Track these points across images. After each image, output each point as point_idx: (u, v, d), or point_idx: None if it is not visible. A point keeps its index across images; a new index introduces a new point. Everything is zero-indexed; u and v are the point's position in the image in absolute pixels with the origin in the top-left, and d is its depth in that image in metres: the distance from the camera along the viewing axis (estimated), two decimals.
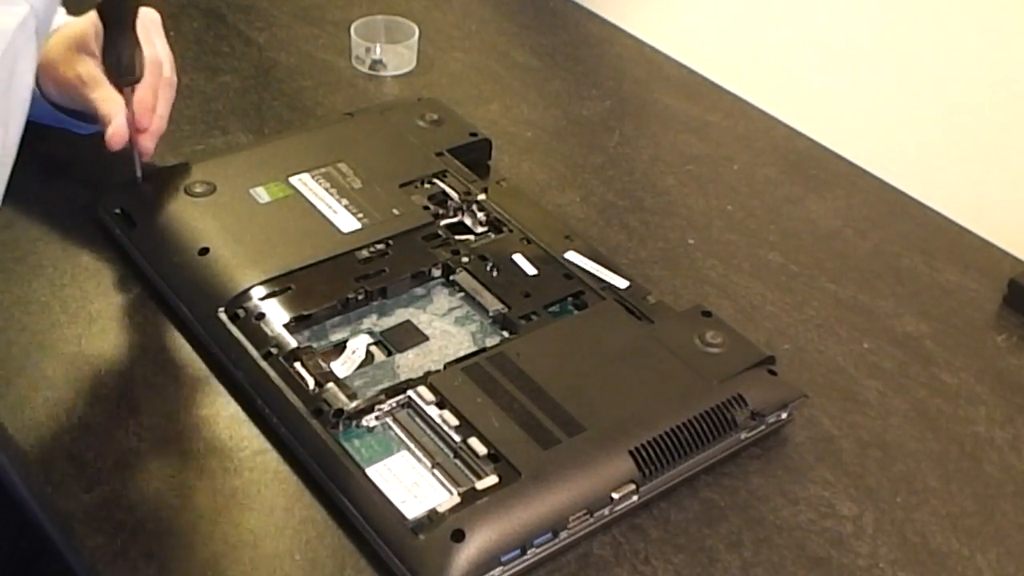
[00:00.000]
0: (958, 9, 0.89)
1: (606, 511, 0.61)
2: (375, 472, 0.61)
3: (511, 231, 0.78)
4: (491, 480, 0.60)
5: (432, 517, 0.58)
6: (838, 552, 0.63)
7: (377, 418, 0.64)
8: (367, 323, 0.71)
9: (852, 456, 0.69)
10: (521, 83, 1.02)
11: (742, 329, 0.72)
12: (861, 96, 0.96)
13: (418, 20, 1.03)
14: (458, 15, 1.12)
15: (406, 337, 0.70)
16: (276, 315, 0.69)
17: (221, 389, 0.68)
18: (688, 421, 0.64)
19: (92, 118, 0.75)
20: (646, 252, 0.83)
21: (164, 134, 0.78)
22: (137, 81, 0.73)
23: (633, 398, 0.65)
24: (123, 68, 0.72)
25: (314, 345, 0.69)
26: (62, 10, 0.76)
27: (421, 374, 0.66)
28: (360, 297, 0.71)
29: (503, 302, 0.72)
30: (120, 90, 0.74)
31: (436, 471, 0.61)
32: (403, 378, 0.66)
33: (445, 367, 0.67)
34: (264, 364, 0.66)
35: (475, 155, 0.87)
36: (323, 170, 0.81)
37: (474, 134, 0.88)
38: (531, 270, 0.75)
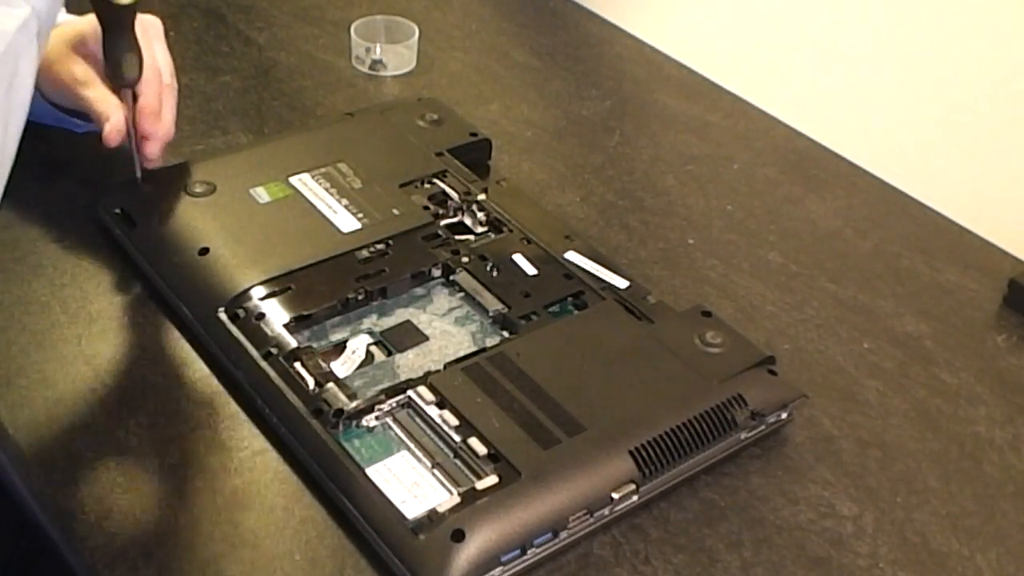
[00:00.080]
0: (958, 9, 0.89)
1: (606, 511, 0.61)
2: (375, 472, 0.61)
3: (511, 231, 0.78)
4: (491, 480, 0.60)
5: (432, 517, 0.58)
6: (838, 552, 0.63)
7: (377, 418, 0.64)
8: (367, 323, 0.71)
9: (852, 456, 0.69)
10: (521, 83, 1.02)
11: (742, 329, 0.72)
12: (861, 96, 0.96)
13: (418, 20, 1.03)
14: (458, 15, 1.12)
15: (406, 337, 0.70)
16: (276, 315, 0.69)
17: (221, 389, 0.68)
18: (688, 421, 0.64)
19: (90, 117, 0.75)
20: (646, 252, 0.83)
21: None
22: (135, 83, 0.73)
23: (633, 398, 0.65)
24: (122, 70, 0.72)
25: (314, 345, 0.69)
26: (62, 9, 0.76)
27: (421, 374, 0.66)
28: (360, 297, 0.71)
29: (503, 302, 0.72)
30: (118, 92, 0.74)
31: (436, 471, 0.61)
32: (403, 378, 0.66)
33: (445, 367, 0.67)
34: (264, 364, 0.66)
35: (475, 155, 0.87)
36: (323, 170, 0.81)
37: (474, 134, 0.88)
38: (531, 270, 0.75)
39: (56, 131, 0.81)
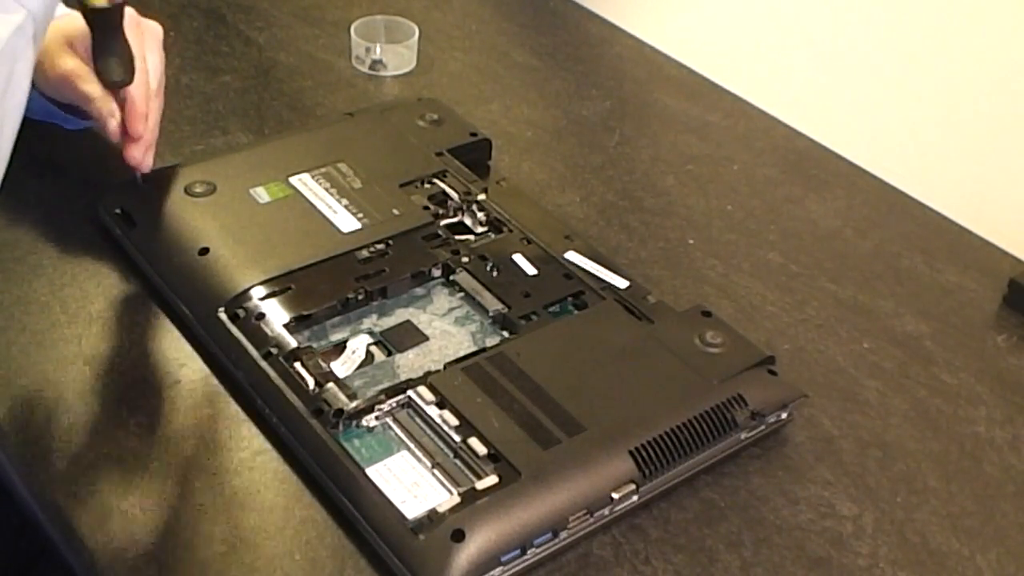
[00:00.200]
0: (958, 9, 0.89)
1: (606, 511, 0.61)
2: (375, 472, 0.61)
3: (511, 231, 0.78)
4: (491, 480, 0.60)
5: (432, 517, 0.58)
6: (838, 552, 0.63)
7: (377, 418, 0.64)
8: (367, 323, 0.71)
9: (852, 456, 0.69)
10: (521, 83, 1.02)
11: (742, 329, 0.72)
12: (861, 96, 0.96)
13: (418, 20, 1.03)
14: (458, 15, 1.12)
15: (406, 337, 0.70)
16: (276, 315, 0.69)
17: (221, 389, 0.68)
18: (688, 421, 0.64)
19: (83, 113, 0.75)
20: (646, 252, 0.83)
21: (164, 134, 0.78)
22: (126, 84, 0.73)
23: (633, 398, 0.65)
24: (111, 71, 0.72)
25: (314, 345, 0.69)
26: (60, 4, 0.76)
27: (421, 374, 0.66)
28: (360, 297, 0.71)
29: (503, 302, 0.72)
30: (112, 93, 0.73)
31: (436, 471, 0.61)
32: (403, 378, 0.66)
33: (445, 367, 0.67)
34: (264, 364, 0.66)
35: (475, 155, 0.87)
36: (323, 170, 0.81)
37: (474, 134, 0.88)
38: (531, 270, 0.75)
39: (56, 131, 0.81)
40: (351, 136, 0.86)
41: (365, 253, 0.74)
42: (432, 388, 0.65)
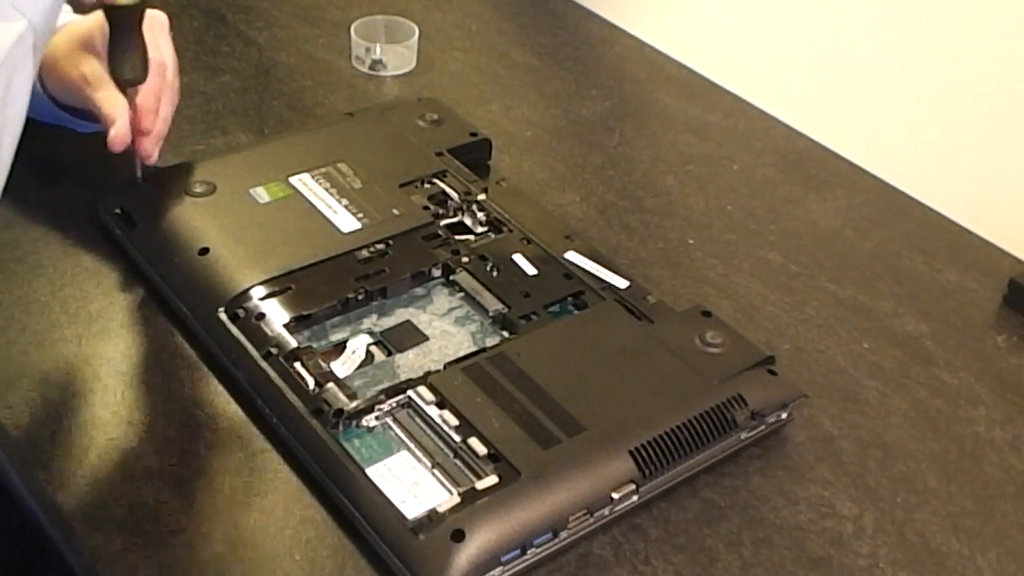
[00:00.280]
0: (958, 9, 0.89)
1: (606, 511, 0.61)
2: (375, 472, 0.61)
3: (511, 231, 0.78)
4: (491, 480, 0.60)
5: (432, 517, 0.58)
6: (838, 552, 0.63)
7: (377, 418, 0.64)
8: (367, 323, 0.71)
9: (852, 456, 0.69)
10: (521, 83, 1.02)
11: (742, 329, 0.72)
12: (861, 96, 0.96)
13: (418, 20, 1.03)
14: (458, 15, 1.12)
15: (406, 337, 0.70)
16: (276, 315, 0.69)
17: (221, 389, 0.68)
18: (688, 421, 0.64)
19: (93, 117, 0.75)
20: (646, 252, 0.83)
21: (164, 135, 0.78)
22: (141, 83, 0.73)
23: (633, 398, 0.65)
24: (128, 69, 0.72)
25: (314, 345, 0.69)
26: (67, 8, 0.76)
27: (421, 374, 0.66)
28: (360, 297, 0.71)
29: (503, 302, 0.72)
30: (124, 92, 0.74)
31: (436, 471, 0.61)
32: (403, 378, 0.66)
33: (445, 367, 0.67)
34: (264, 364, 0.66)
35: (475, 155, 0.87)
36: (323, 170, 0.81)
37: (474, 134, 0.88)
38: (531, 270, 0.75)
39: (56, 131, 0.81)
40: (351, 136, 0.86)
41: (365, 253, 0.74)
42: (432, 388, 0.65)
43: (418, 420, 0.64)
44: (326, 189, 0.79)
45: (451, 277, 0.74)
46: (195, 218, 0.75)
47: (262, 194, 0.78)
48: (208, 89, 0.95)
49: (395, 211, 0.78)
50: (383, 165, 0.82)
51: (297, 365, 0.66)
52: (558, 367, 0.67)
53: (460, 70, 1.03)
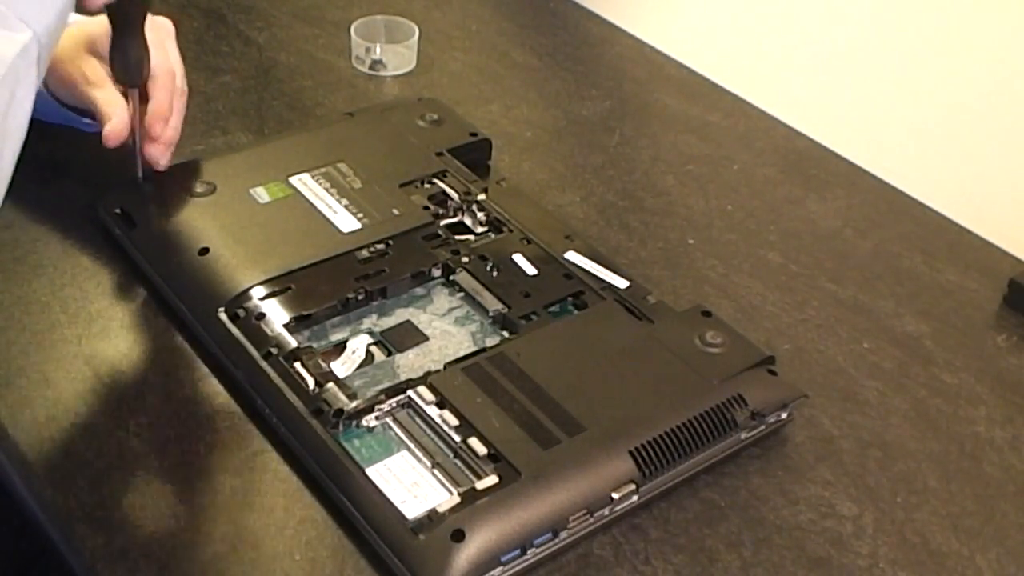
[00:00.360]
0: (958, 9, 0.89)
1: (606, 511, 0.61)
2: (375, 472, 0.61)
3: (511, 231, 0.78)
4: (491, 480, 0.60)
5: (432, 517, 0.58)
6: (838, 552, 0.63)
7: (377, 418, 0.64)
8: (367, 323, 0.71)
9: (852, 456, 0.69)
10: (521, 83, 1.02)
11: (742, 329, 0.72)
12: (861, 96, 0.96)
13: (418, 20, 1.03)
14: (458, 15, 1.12)
15: (406, 337, 0.70)
16: (276, 315, 0.69)
17: (221, 389, 0.68)
18: (688, 421, 0.64)
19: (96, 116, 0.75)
20: (646, 252, 0.83)
21: None
22: (142, 84, 0.74)
23: (633, 398, 0.65)
24: (129, 70, 0.72)
25: (314, 345, 0.69)
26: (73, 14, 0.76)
27: (421, 374, 0.66)
28: (360, 297, 0.71)
29: (503, 302, 0.72)
30: (125, 93, 0.74)
31: (436, 471, 0.61)
32: (403, 378, 0.66)
33: (445, 367, 0.67)
34: (264, 364, 0.66)
35: (475, 155, 0.87)
36: (323, 170, 0.81)
37: (474, 134, 0.88)
38: (531, 270, 0.75)
39: (57, 131, 0.81)
40: (351, 136, 0.86)
41: (365, 253, 0.74)
42: (432, 388, 0.65)
43: (418, 420, 0.64)
44: (326, 189, 0.79)
45: (451, 277, 0.74)
46: (195, 218, 0.75)
47: (262, 194, 0.78)
48: (208, 89, 0.95)
49: (395, 211, 0.78)
50: (383, 165, 0.82)
51: (297, 365, 0.66)
52: (558, 367, 0.67)
53: (460, 70, 1.03)
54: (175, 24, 0.80)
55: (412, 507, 0.59)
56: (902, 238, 0.87)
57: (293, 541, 0.60)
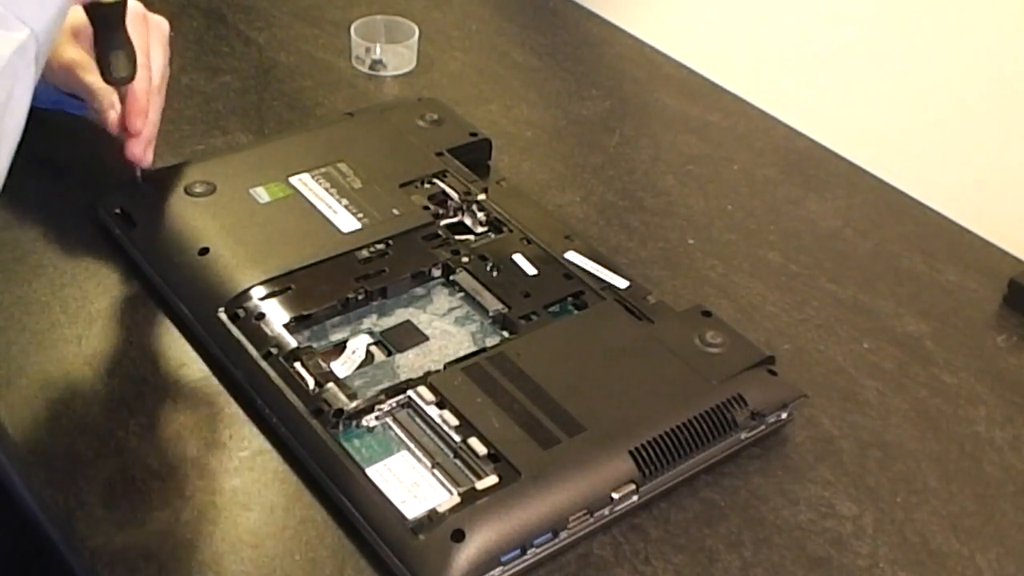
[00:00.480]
0: (958, 9, 0.89)
1: (606, 511, 0.61)
2: (375, 472, 0.61)
3: (511, 231, 0.78)
4: (491, 480, 0.60)
5: (432, 517, 0.58)
6: (838, 552, 0.63)
7: (377, 418, 0.64)
8: (367, 323, 0.71)
9: (852, 456, 0.69)
10: (521, 83, 1.02)
11: (742, 329, 0.72)
12: (861, 96, 0.96)
13: (418, 20, 1.03)
14: (458, 15, 1.12)
15: (406, 337, 0.70)
16: (276, 315, 0.69)
17: (221, 389, 0.68)
18: (688, 421, 0.64)
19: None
20: (646, 252, 0.83)
21: (164, 134, 0.78)
22: (128, 81, 0.73)
23: (633, 398, 0.65)
24: (117, 68, 0.72)
25: (314, 345, 0.69)
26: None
27: (421, 374, 0.66)
28: (360, 297, 0.71)
29: (503, 302, 0.72)
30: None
31: (436, 471, 0.61)
32: (403, 378, 0.66)
33: (445, 367, 0.67)
34: (264, 364, 0.66)
35: (475, 155, 0.87)
36: (323, 170, 0.81)
37: (474, 134, 0.88)
38: (531, 270, 0.75)
39: (56, 131, 0.81)
40: (351, 136, 0.86)
41: (365, 253, 0.74)
42: (432, 388, 0.65)
43: (418, 420, 0.64)
44: (326, 189, 0.79)
45: (451, 277, 0.74)
46: (195, 218, 0.75)
47: (262, 194, 0.78)
48: (208, 89, 0.95)
49: (395, 211, 0.78)
50: (383, 165, 0.82)
51: (297, 365, 0.66)
52: (558, 367, 0.67)
53: (460, 70, 1.03)
54: (174, 24, 0.80)
55: (412, 507, 0.59)
56: (902, 238, 0.87)
57: (293, 541, 0.60)
